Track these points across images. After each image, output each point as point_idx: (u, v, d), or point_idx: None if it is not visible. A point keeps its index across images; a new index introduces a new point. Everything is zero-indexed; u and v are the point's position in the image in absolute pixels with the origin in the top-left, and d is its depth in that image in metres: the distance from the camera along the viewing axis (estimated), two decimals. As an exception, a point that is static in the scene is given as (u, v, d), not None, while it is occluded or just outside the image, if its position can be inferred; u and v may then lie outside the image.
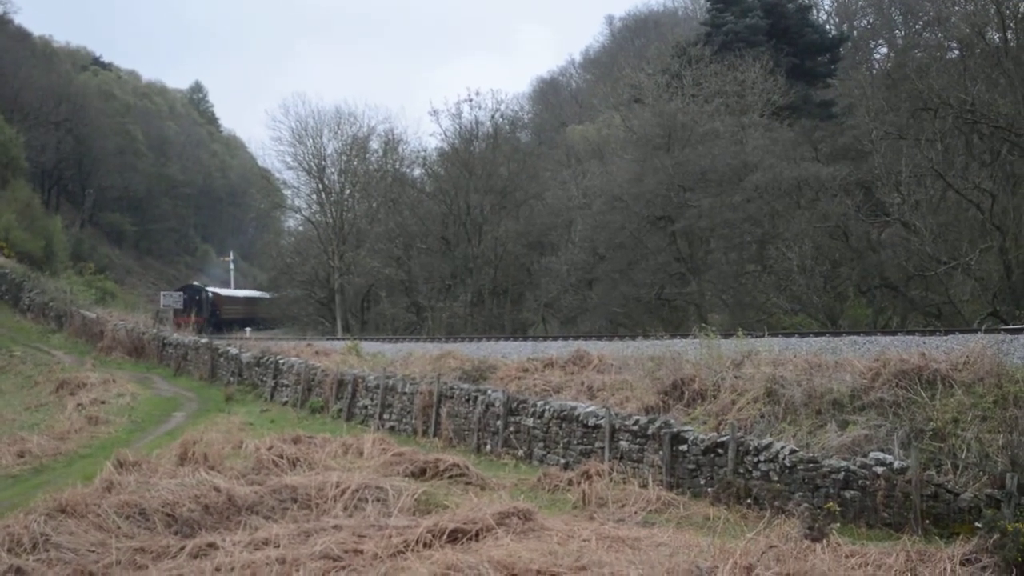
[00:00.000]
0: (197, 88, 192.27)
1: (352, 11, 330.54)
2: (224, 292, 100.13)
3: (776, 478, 20.73)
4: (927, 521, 18.26)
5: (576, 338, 42.78)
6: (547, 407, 27.68)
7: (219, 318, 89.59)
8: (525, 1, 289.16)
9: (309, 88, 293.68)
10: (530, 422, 28.09)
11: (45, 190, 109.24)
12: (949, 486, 18.41)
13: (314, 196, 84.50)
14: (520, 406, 28.74)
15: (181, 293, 78.79)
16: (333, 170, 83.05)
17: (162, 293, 77.87)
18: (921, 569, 15.58)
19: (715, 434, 22.75)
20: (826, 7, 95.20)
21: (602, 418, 25.40)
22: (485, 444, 29.72)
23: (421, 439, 31.75)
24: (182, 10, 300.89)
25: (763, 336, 31.67)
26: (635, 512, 20.75)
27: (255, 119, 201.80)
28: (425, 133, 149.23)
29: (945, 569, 15.49)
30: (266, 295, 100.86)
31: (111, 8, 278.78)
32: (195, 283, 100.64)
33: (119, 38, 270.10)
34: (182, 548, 17.50)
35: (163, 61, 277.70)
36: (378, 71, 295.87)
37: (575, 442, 26.37)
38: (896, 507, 18.75)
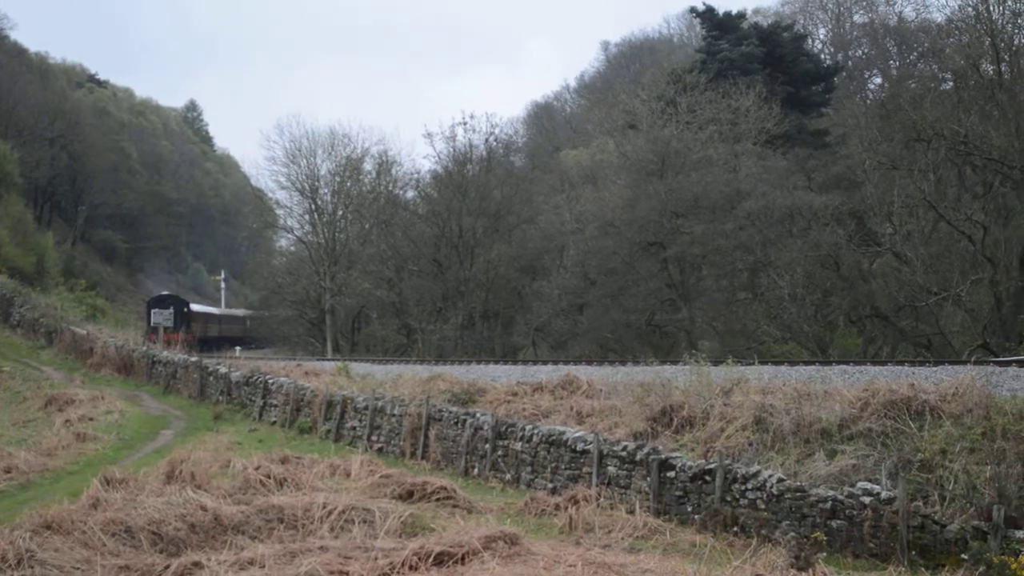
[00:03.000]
0: (192, 107, 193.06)
1: (358, 23, 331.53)
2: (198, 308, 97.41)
3: (763, 506, 20.73)
4: (913, 552, 18.27)
5: (566, 363, 42.74)
6: (536, 431, 27.68)
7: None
8: (535, 17, 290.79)
9: (311, 104, 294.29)
10: (518, 446, 28.08)
11: (38, 206, 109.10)
12: (936, 517, 18.42)
13: (307, 216, 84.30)
14: (509, 430, 28.73)
15: (171, 310, 75.35)
16: (326, 191, 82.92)
17: (152, 311, 74.54)
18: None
19: (703, 461, 22.76)
20: (821, 37, 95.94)
21: (590, 443, 25.40)
22: (473, 467, 29.70)
23: (409, 461, 31.74)
24: (179, 28, 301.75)
25: (753, 364, 31.72)
26: (622, 538, 20.74)
27: (252, 137, 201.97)
28: (419, 155, 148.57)
29: (931, 600, 15.49)
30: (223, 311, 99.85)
31: (107, 25, 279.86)
32: (170, 294, 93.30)
33: (115, 55, 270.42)
34: (167, 567, 17.43)
35: (159, 78, 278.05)
36: (382, 85, 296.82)
37: (563, 467, 26.36)
38: (883, 537, 18.75)
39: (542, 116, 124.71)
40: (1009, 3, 46.12)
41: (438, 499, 24.43)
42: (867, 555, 18.89)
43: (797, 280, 46.91)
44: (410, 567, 17.31)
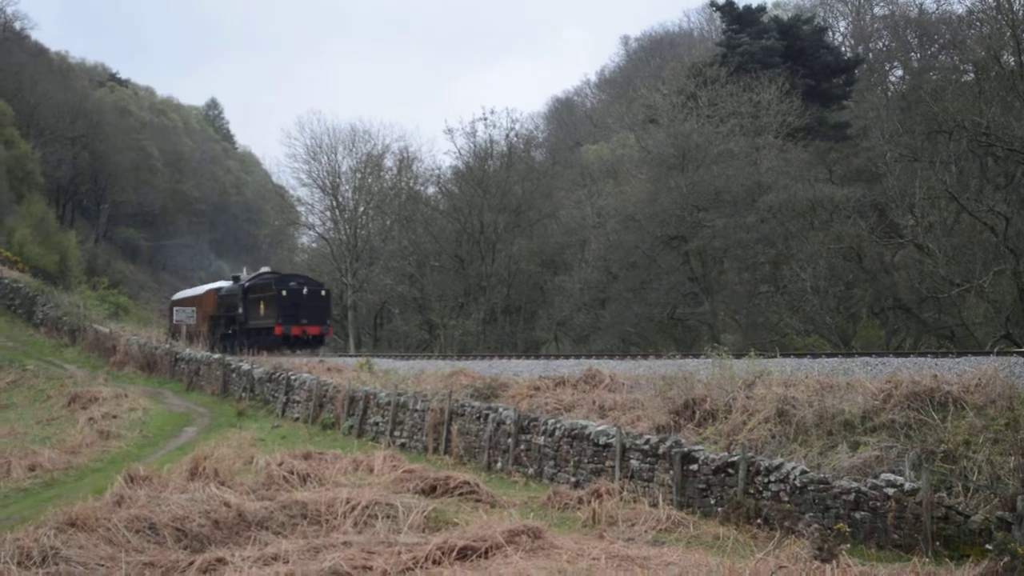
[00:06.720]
0: (213, 105, 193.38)
1: (387, 12, 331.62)
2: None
3: (786, 499, 20.66)
4: (937, 543, 18.19)
5: (588, 357, 42.64)
6: (558, 425, 27.62)
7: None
8: (557, 11, 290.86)
9: (334, 98, 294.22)
10: (541, 440, 28.03)
11: (60, 205, 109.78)
12: (960, 508, 18.34)
13: (328, 213, 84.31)
14: (531, 424, 28.68)
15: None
16: (347, 187, 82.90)
17: (175, 308, 64.25)
18: (931, 591, 15.53)
19: (726, 454, 22.68)
20: (842, 29, 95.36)
21: (613, 437, 25.33)
22: (496, 462, 29.66)
23: (432, 456, 31.69)
24: (200, 21, 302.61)
25: (775, 357, 31.63)
26: (645, 531, 20.66)
27: (273, 135, 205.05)
28: (440, 151, 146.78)
29: (955, 591, 15.44)
30: None
31: (126, 22, 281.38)
32: (289, 273, 67.19)
33: (134, 52, 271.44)
34: (191, 563, 17.49)
35: (181, 75, 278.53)
36: (407, 77, 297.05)
37: (586, 461, 26.30)
38: (906, 529, 18.68)
39: (562, 111, 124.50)
40: (1030, -7, 46.02)
41: (461, 494, 24.38)
42: (891, 546, 18.82)
43: (819, 272, 46.86)
44: (434, 561, 17.33)
